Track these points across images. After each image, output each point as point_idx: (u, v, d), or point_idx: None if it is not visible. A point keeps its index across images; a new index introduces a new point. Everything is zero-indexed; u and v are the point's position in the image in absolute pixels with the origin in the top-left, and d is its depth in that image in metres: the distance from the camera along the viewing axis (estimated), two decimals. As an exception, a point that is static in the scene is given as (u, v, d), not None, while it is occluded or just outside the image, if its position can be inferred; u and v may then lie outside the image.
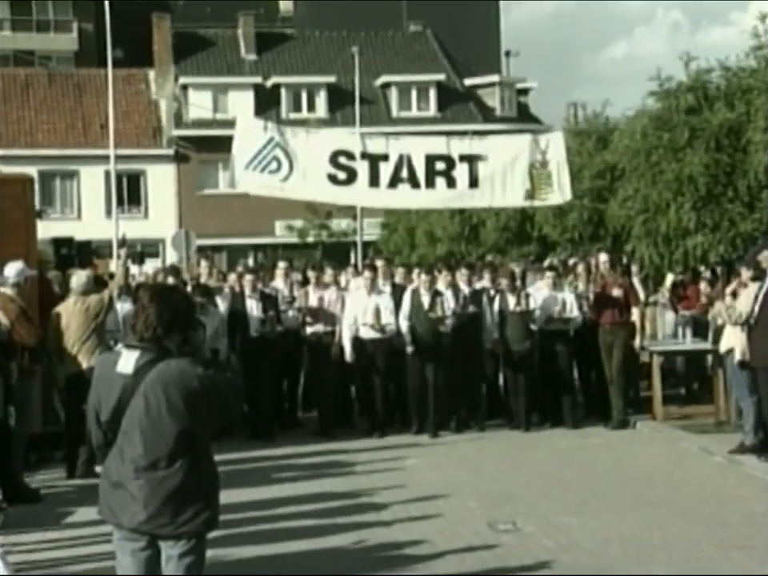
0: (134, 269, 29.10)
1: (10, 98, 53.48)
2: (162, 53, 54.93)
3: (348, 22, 57.67)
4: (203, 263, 18.54)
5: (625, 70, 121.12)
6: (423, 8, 62.08)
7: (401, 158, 16.32)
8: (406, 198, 17.12)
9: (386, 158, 16.34)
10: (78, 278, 13.20)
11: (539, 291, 16.19)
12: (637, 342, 15.79)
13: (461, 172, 16.31)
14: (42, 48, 61.80)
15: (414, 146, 16.79)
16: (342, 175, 16.35)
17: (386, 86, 54.81)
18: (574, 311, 15.82)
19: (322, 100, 53.95)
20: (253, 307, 15.21)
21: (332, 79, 53.19)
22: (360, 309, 15.42)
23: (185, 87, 53.52)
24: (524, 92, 59.31)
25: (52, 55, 61.73)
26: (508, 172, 16.30)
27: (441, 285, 15.79)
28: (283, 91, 53.86)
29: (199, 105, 52.26)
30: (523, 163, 16.25)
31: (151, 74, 55.26)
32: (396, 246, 37.52)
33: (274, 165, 16.13)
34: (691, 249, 17.12)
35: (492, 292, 16.26)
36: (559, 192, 16.42)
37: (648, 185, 17.93)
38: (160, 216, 50.38)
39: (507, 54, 65.19)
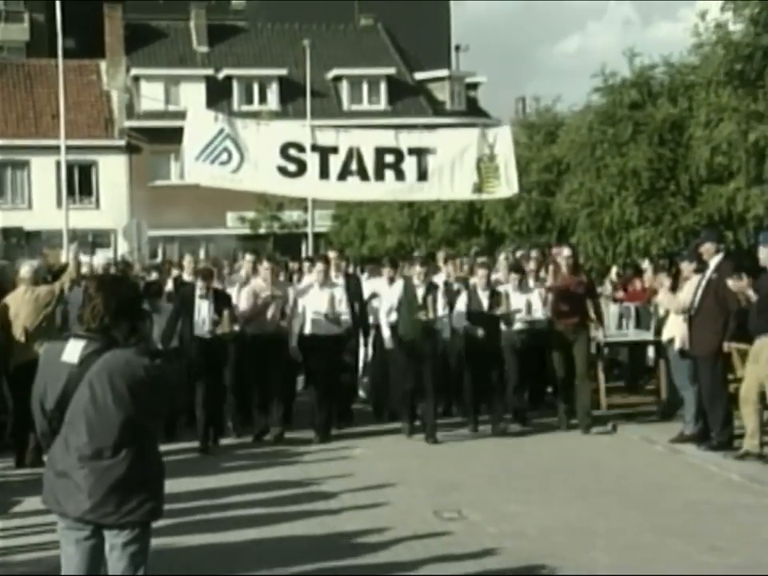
0: (84, 259, 28.89)
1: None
2: (113, 44, 54.28)
3: (300, 15, 57.59)
4: (188, 258, 17.89)
5: (577, 64, 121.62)
6: (374, 2, 61.86)
7: (350, 150, 16.25)
8: (355, 190, 17.06)
9: (335, 150, 16.27)
10: (29, 267, 13.05)
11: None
12: (600, 335, 15.27)
13: (410, 165, 16.26)
14: (-9, 38, 61.40)
15: (363, 139, 16.73)
16: (292, 167, 16.25)
17: (338, 79, 54.59)
18: (538, 312, 15.11)
19: (273, 92, 53.60)
20: (202, 307, 13.79)
21: (283, 72, 52.90)
22: (313, 302, 14.43)
23: (136, 78, 53.03)
24: (473, 86, 59.31)
25: (3, 45, 61.30)
26: (456, 165, 16.27)
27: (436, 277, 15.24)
28: (235, 83, 53.44)
29: (151, 96, 51.83)
30: (471, 157, 16.23)
31: (103, 64, 54.54)
32: (347, 238, 37.55)
33: (224, 156, 16.02)
34: (634, 241, 17.27)
35: (456, 287, 15.40)
36: (506, 185, 16.42)
37: (593, 179, 18.08)
38: (112, 206, 49.89)
39: (457, 48, 65.42)
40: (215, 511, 10.55)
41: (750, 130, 12.62)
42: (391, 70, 55.22)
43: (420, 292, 13.98)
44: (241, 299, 14.44)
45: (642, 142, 17.22)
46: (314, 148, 16.25)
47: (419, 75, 56.84)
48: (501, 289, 14.85)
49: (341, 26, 58.28)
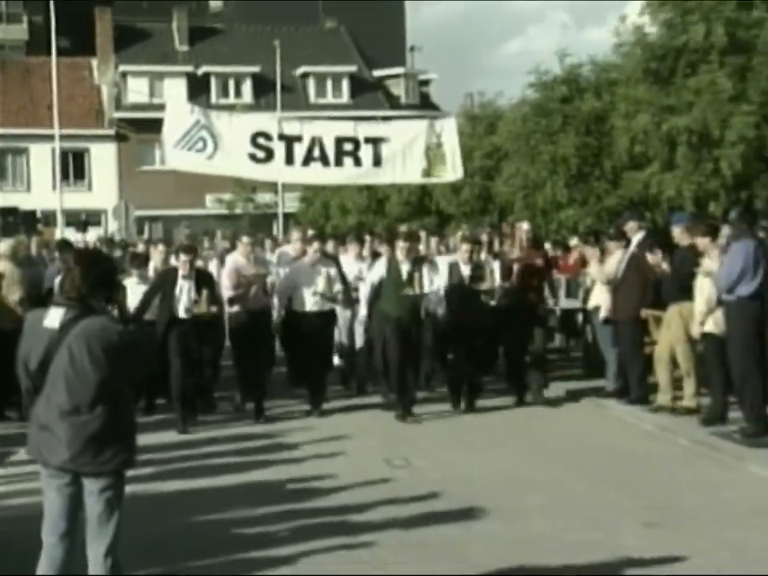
0: (78, 236, 28.80)
1: (-38, 84, 51.98)
2: (103, 43, 53.97)
3: (271, 18, 57.33)
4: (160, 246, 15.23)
5: (519, 63, 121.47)
6: (337, 6, 62.34)
7: (313, 139, 16.20)
8: (317, 174, 16.98)
9: (300, 139, 16.21)
10: (6, 244, 12.87)
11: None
12: (551, 302, 14.10)
13: (366, 152, 16.23)
14: (-8, 38, 60.92)
15: (325, 129, 16.67)
16: (261, 154, 16.17)
17: (305, 75, 54.34)
18: (496, 281, 13.31)
19: (247, 88, 53.35)
20: (184, 288, 12.07)
21: (256, 69, 52.55)
22: (308, 280, 12.94)
23: (124, 74, 52.60)
24: (426, 83, 59.25)
25: (4, 44, 60.98)
26: (407, 152, 16.26)
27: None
28: (213, 79, 53.17)
29: (137, 90, 51.53)
30: (420, 145, 16.22)
31: (94, 62, 54.19)
32: (313, 217, 37.39)
33: (200, 144, 15.91)
34: (564, 220, 17.33)
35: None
36: (452, 170, 16.42)
37: (528, 165, 18.13)
38: (102, 189, 49.68)
39: (412, 48, 65.22)
40: (187, 461, 10.52)
41: (662, 121, 12.67)
42: (353, 68, 55.04)
43: (405, 268, 12.37)
44: (223, 278, 12.97)
45: (571, 132, 17.27)
46: (281, 137, 16.18)
47: (377, 73, 56.73)
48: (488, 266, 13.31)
49: (308, 28, 57.88)
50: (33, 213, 23.74)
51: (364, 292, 12.98)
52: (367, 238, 16.33)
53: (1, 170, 51.12)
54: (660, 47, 12.98)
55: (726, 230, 11.62)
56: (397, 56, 63.03)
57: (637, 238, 13.04)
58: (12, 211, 19.42)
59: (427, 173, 16.51)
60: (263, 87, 52.27)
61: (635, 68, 13.52)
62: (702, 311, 11.32)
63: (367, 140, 16.38)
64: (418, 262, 12.58)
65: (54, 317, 5.51)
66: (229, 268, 12.96)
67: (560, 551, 7.34)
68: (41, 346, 5.50)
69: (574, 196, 17.31)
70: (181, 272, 12.09)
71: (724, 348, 10.91)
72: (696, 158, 12.68)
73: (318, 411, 12.89)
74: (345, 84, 54.77)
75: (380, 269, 12.71)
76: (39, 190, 47.00)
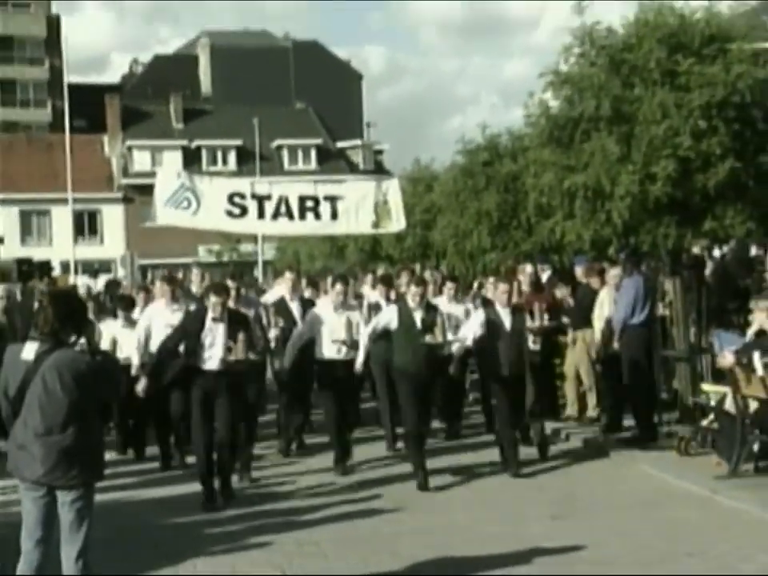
0: (90, 282, 28.42)
1: (-3, 157, 51.95)
2: (113, 123, 53.72)
3: (251, 100, 57.36)
4: (195, 271, 14.38)
5: (458, 135, 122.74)
6: (306, 89, 63.16)
7: (280, 198, 15.90)
8: (284, 227, 16.64)
9: (269, 197, 15.89)
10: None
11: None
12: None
13: (325, 208, 15.92)
14: (23, 120, 60.99)
15: (290, 189, 16.38)
16: (236, 211, 15.81)
17: (279, 147, 54.30)
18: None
19: (232, 157, 53.32)
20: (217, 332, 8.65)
21: (239, 142, 52.54)
22: (330, 326, 9.88)
23: (130, 148, 52.39)
24: (380, 152, 59.39)
25: (32, 125, 60.46)
26: (359, 207, 15.98)
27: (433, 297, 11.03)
28: (203, 151, 53.11)
29: (140, 161, 51.36)
30: (370, 201, 15.96)
31: (105, 138, 53.88)
32: (287, 263, 37.02)
33: (185, 203, 15.55)
34: (488, 263, 17.14)
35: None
36: (396, 222, 16.14)
37: (457, 217, 17.94)
38: (112, 242, 49.27)
39: (368, 124, 65.46)
40: (158, 472, 10.08)
41: (564, 179, 12.52)
42: (319, 141, 55.14)
43: (418, 315, 9.15)
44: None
45: (492, 190, 17.13)
46: (253, 196, 15.85)
47: (340, 144, 56.85)
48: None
49: (281, 108, 58.02)
50: (47, 263, 23.29)
51: (363, 338, 9.61)
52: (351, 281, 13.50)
53: (27, 228, 50.74)
54: (561, 118, 12.83)
55: (615, 271, 11.52)
56: (356, 130, 63.28)
57: (544, 276, 12.89)
58: (27, 261, 19.06)
59: (376, 224, 16.19)
60: (245, 157, 52.10)
61: (541, 135, 13.38)
62: (598, 337, 11.19)
63: (326, 198, 16.08)
64: (431, 308, 9.43)
65: (29, 350, 5.23)
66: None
67: (477, 541, 7.07)
68: (18, 376, 5.21)
69: (495, 243, 17.14)
70: (211, 314, 8.59)
71: (620, 367, 10.74)
72: (592, 209, 12.52)
73: (341, 469, 9.71)
74: (312, 154, 54.79)
75: (390, 316, 9.41)
76: (59, 243, 46.35)
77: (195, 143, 53.03)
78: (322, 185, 17.01)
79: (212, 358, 8.51)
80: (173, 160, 50.30)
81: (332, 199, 16.11)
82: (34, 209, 49.93)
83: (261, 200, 15.90)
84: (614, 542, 6.97)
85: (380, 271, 18.39)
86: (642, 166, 12.00)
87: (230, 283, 9.54)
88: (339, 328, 9.87)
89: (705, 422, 9.55)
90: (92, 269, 35.97)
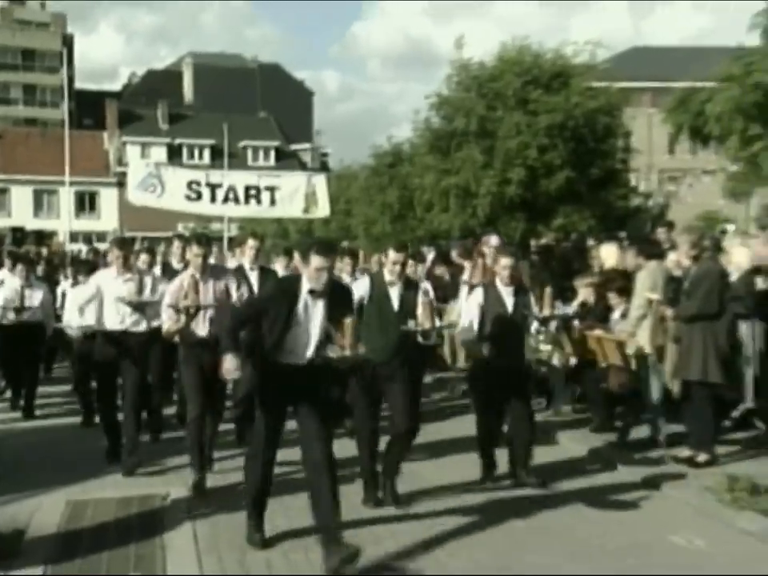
0: (83, 248, 27.81)
1: (17, 146, 50.69)
2: (111, 122, 52.01)
3: (224, 108, 55.89)
4: (176, 243, 10.63)
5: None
6: (268, 101, 61.60)
7: (229, 186, 15.62)
8: (231, 210, 16.33)
9: (220, 186, 15.62)
10: None
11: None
12: None
13: (265, 196, 15.72)
14: (41, 117, 58.73)
15: (237, 179, 16.19)
16: (193, 195, 15.48)
17: (245, 147, 53.23)
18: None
19: (207, 154, 52.18)
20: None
21: (213, 142, 51.37)
22: None
23: (124, 143, 50.98)
24: (326, 154, 58.87)
25: (48, 122, 58.72)
26: (293, 196, 15.83)
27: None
28: (184, 148, 51.80)
29: (132, 154, 50.04)
30: (301, 192, 15.77)
31: (105, 134, 52.24)
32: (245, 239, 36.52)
33: (152, 188, 15.16)
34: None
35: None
36: (322, 209, 16.03)
37: (367, 208, 17.85)
38: (108, 218, 47.77)
39: (317, 132, 64.82)
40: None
41: (441, 180, 12.57)
42: (277, 143, 54.30)
43: (394, 292, 5.55)
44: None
45: (394, 186, 17.07)
46: (207, 184, 15.53)
47: (293, 146, 56.07)
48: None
49: (248, 116, 56.84)
50: (41, 231, 22.56)
51: None
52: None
53: (39, 204, 49.59)
54: (440, 132, 12.88)
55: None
56: (307, 136, 62.62)
57: (430, 257, 12.89)
58: (20, 229, 18.41)
59: (305, 210, 16.00)
60: (217, 154, 51.00)
61: (425, 145, 13.40)
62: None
63: (266, 188, 15.84)
64: (412, 285, 5.68)
65: None
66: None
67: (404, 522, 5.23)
68: None
69: (396, 229, 17.11)
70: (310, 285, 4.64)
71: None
72: (461, 204, 12.58)
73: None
74: (272, 153, 53.95)
75: (361, 289, 5.57)
76: (64, 216, 45.57)
77: (177, 141, 51.86)
78: (263, 177, 16.77)
79: (298, 350, 4.63)
80: (159, 154, 49.12)
81: (271, 189, 15.88)
82: (45, 188, 48.68)
83: (213, 187, 15.60)
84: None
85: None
86: (500, 171, 12.08)
87: (195, 249, 6.05)
88: None
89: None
90: (90, 239, 35.27)
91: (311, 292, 4.54)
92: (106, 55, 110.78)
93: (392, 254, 5.51)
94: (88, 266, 9.77)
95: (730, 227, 17.52)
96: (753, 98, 4.60)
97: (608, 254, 5.60)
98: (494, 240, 8.66)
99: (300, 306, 4.54)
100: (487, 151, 12.22)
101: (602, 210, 12.92)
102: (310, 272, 4.52)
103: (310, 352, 4.60)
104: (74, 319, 7.50)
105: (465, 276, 9.16)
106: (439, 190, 12.81)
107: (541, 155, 11.87)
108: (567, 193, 12.27)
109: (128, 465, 6.35)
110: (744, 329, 7.10)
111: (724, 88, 4.85)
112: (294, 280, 4.69)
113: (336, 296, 4.63)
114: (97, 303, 6.58)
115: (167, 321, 5.94)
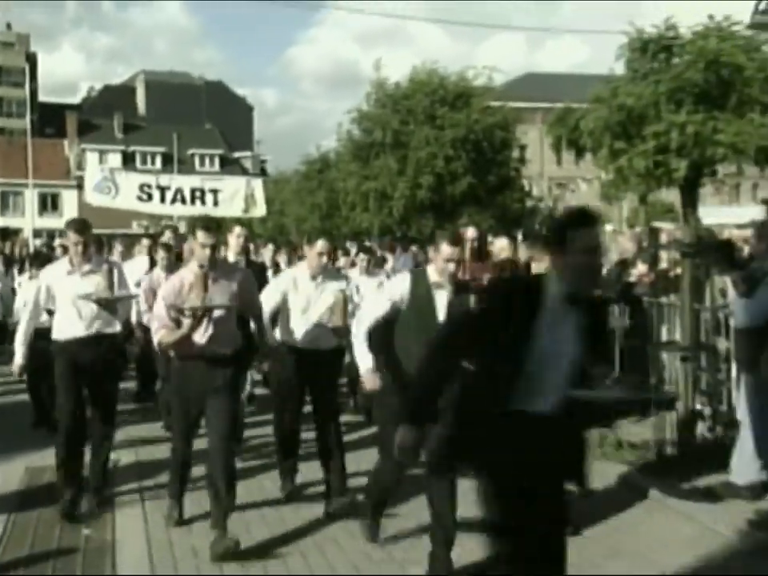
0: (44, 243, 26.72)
1: (-18, 152, 48.28)
2: (71, 131, 50.07)
3: (174, 120, 54.68)
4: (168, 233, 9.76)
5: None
6: (213, 113, 60.45)
7: (177, 188, 15.16)
8: (179, 210, 15.86)
9: (169, 188, 15.11)
10: None
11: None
12: None
13: (209, 197, 15.29)
14: (7, 126, 56.18)
15: (184, 183, 15.68)
16: (144, 197, 14.88)
17: (193, 155, 52.12)
18: None
19: (158, 160, 50.66)
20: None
21: (164, 150, 50.18)
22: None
23: (83, 150, 49.16)
24: (264, 161, 58.08)
25: (13, 131, 56.10)
26: (234, 198, 15.49)
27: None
28: (137, 155, 50.33)
29: (91, 160, 48.18)
30: (241, 194, 15.40)
31: (66, 142, 50.29)
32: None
33: (107, 190, 14.55)
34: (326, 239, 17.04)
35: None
36: (260, 209, 15.68)
37: (299, 208, 17.69)
38: (69, 216, 45.59)
39: (257, 142, 63.95)
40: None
41: (362, 184, 12.57)
42: (221, 151, 53.30)
43: (441, 297, 3.46)
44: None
45: (323, 189, 16.94)
46: (157, 187, 15.03)
47: (236, 154, 55.21)
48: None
49: (195, 127, 55.56)
50: (6, 228, 21.48)
51: (361, 329, 3.70)
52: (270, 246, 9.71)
53: (6, 204, 47.69)
54: (361, 142, 12.86)
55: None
56: (248, 145, 61.77)
57: (353, 252, 12.79)
58: (-9, 226, 17.38)
59: (245, 210, 15.56)
60: (168, 161, 49.83)
61: (348, 154, 13.36)
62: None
63: (210, 190, 15.41)
64: (463, 289, 3.56)
65: None
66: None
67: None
68: None
69: (324, 227, 16.99)
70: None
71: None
72: (380, 206, 12.62)
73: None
74: (216, 160, 52.90)
75: (399, 289, 3.58)
76: (29, 216, 43.76)
77: (131, 149, 50.40)
78: (207, 180, 16.42)
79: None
80: (115, 160, 47.70)
81: (214, 191, 15.45)
82: (11, 190, 46.83)
83: (163, 190, 15.09)
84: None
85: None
86: (412, 178, 12.15)
87: (202, 237, 3.84)
88: None
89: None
90: (53, 235, 34.08)
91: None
92: (67, 72, 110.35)
93: (445, 248, 3.48)
94: (40, 260, 8.23)
95: (608, 227, 18.13)
96: (617, 118, 4.71)
97: (501, 248, 5.62)
98: (470, 232, 6.65)
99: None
100: (401, 160, 12.26)
101: (500, 212, 13.15)
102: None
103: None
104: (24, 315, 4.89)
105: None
106: (360, 192, 12.79)
107: (447, 164, 11.99)
108: (470, 196, 12.43)
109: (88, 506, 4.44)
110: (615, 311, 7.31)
111: (594, 108, 4.96)
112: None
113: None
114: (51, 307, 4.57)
115: (162, 328, 3.84)
